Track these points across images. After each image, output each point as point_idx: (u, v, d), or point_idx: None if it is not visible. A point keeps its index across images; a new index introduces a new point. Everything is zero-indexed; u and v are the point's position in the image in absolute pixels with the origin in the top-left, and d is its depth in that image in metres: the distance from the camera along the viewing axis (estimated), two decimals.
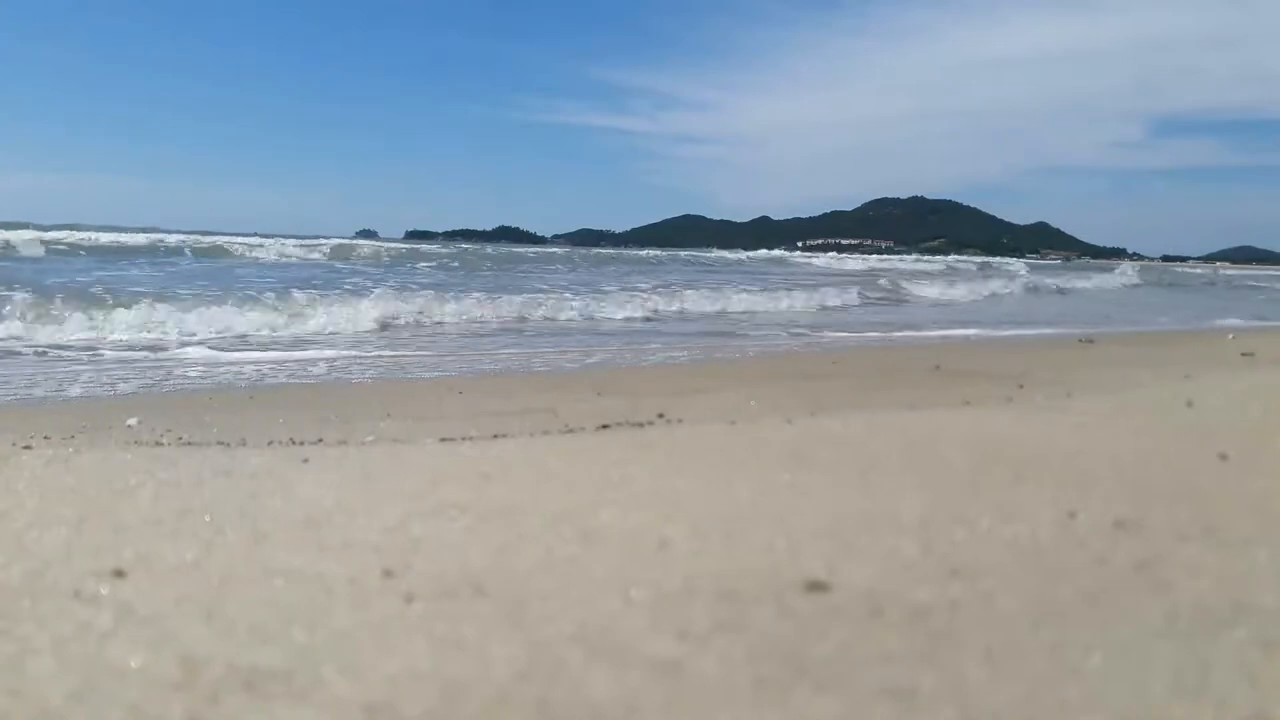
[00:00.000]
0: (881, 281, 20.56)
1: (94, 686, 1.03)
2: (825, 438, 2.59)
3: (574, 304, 11.61)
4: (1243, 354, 6.74)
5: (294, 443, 2.95)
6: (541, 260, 31.38)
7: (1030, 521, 1.68)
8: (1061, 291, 22.53)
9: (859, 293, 16.64)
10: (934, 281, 21.36)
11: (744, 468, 2.19)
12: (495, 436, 2.96)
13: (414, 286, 12.91)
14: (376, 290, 11.32)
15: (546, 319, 10.66)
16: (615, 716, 0.97)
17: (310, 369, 6.20)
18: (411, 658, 1.11)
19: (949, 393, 4.31)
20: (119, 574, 1.40)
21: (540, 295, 12.39)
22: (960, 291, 19.25)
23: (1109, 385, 4.34)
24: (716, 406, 4.00)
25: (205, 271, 17.66)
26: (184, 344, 7.48)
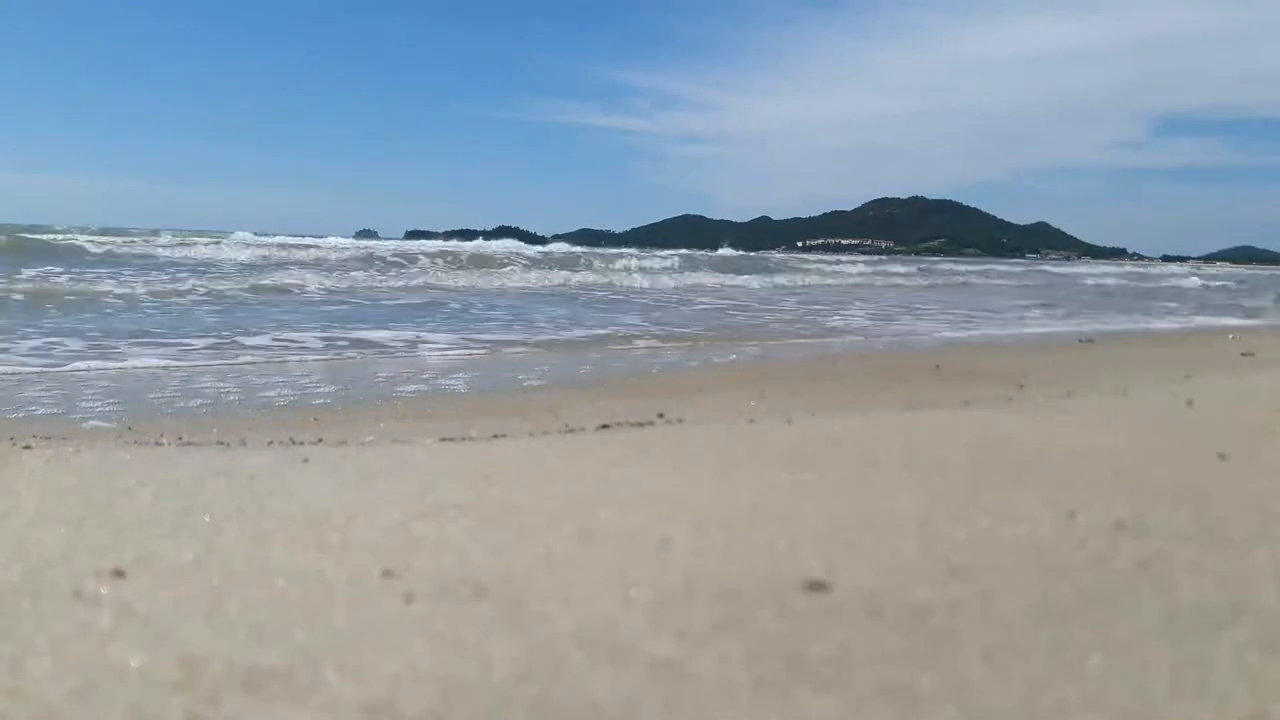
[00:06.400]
0: None
1: (94, 686, 1.03)
2: (825, 438, 2.59)
3: None
4: (1243, 354, 6.74)
5: (294, 443, 2.95)
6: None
7: (1030, 521, 1.68)
8: None
9: None
10: None
11: (744, 468, 2.19)
12: (495, 436, 2.96)
13: None
14: None
15: None
16: (615, 716, 0.97)
17: None
18: (411, 658, 1.11)
19: (949, 393, 4.31)
20: (119, 574, 1.40)
21: None
22: None
23: (1109, 385, 4.34)
24: (716, 406, 4.00)
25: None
26: None
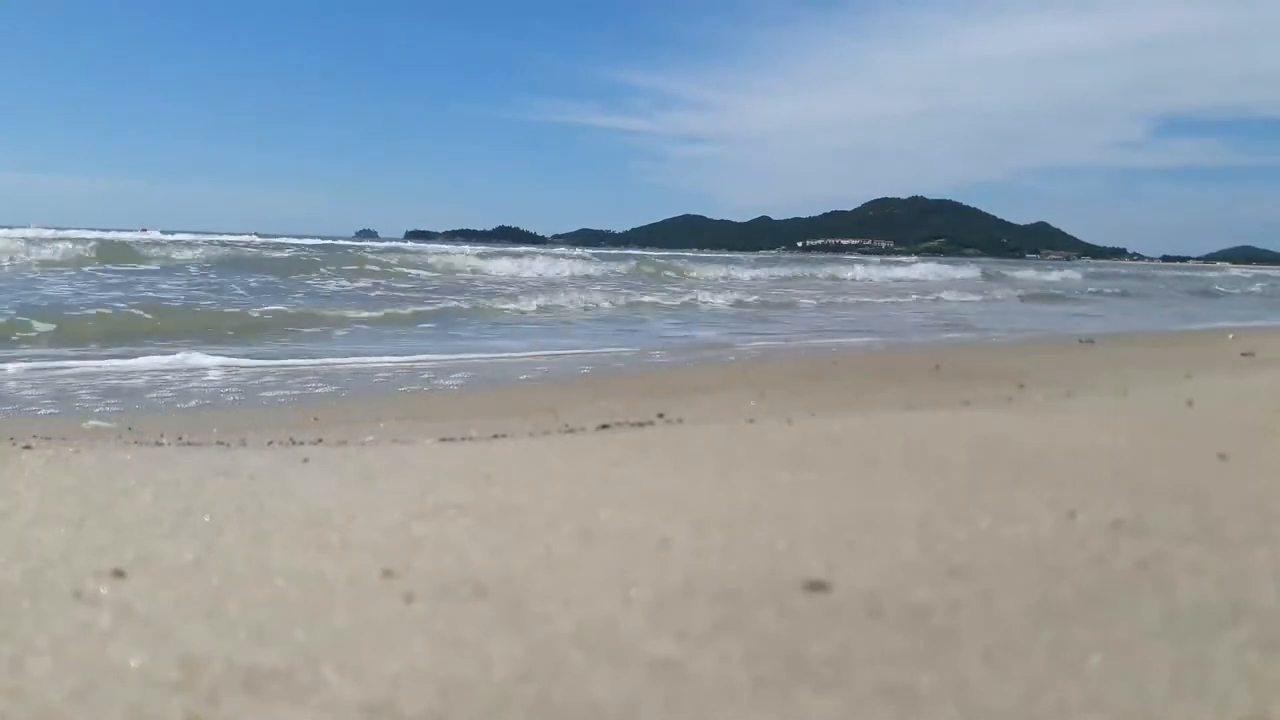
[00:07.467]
0: None
1: (94, 686, 1.03)
2: (825, 438, 2.59)
3: None
4: (1243, 354, 6.74)
5: (294, 443, 2.95)
6: None
7: (1030, 521, 1.68)
8: None
9: None
10: None
11: (744, 468, 2.18)
12: (495, 436, 2.96)
13: None
14: None
15: None
16: (615, 716, 0.97)
17: None
18: (411, 658, 1.11)
19: (949, 393, 4.31)
20: (119, 574, 1.40)
21: None
22: None
23: (1109, 385, 4.34)
24: (716, 406, 4.00)
25: None
26: None
